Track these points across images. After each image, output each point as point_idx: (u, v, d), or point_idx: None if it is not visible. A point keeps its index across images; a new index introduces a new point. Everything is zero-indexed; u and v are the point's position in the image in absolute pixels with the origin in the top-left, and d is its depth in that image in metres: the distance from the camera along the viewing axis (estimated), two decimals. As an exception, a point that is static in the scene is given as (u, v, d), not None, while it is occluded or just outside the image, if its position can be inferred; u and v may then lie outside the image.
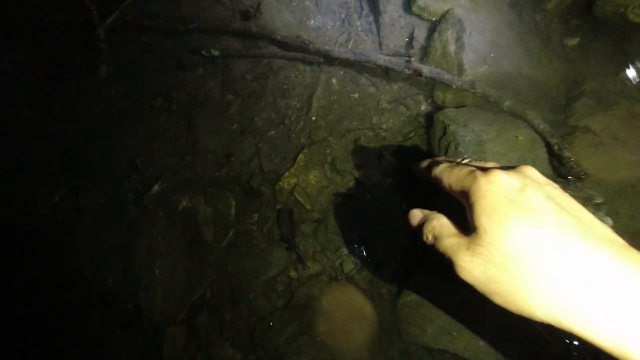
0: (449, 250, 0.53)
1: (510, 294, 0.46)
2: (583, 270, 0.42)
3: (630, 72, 1.96)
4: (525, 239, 0.45)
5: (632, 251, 0.43)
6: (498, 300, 0.49)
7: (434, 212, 0.60)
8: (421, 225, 0.59)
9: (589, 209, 0.55)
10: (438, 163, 0.62)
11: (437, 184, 0.59)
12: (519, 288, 0.45)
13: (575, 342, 1.35)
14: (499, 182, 0.49)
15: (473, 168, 0.54)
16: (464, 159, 0.63)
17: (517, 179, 0.50)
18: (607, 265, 0.41)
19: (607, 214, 1.65)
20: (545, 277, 0.43)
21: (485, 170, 0.53)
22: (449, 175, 0.56)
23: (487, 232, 0.48)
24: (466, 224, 0.53)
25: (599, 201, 1.55)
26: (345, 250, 1.85)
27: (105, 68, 1.73)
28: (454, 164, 0.60)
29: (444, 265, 0.56)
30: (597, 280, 0.41)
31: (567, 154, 1.76)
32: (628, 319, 0.39)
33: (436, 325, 1.68)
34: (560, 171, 1.78)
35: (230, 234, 1.93)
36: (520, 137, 1.93)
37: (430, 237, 0.57)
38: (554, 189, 0.51)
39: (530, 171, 0.53)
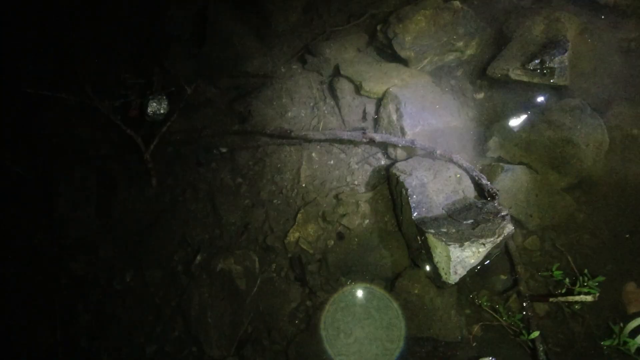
0: None
1: None
2: None
3: (522, 115, 2.74)
4: None
5: None
6: None
7: None
8: None
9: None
10: None
11: None
12: None
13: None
14: None
15: None
16: None
17: None
18: None
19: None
20: None
21: None
22: None
23: None
24: None
25: (504, 213, 2.24)
26: (342, 278, 2.53)
27: (155, 180, 2.46)
28: None
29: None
30: None
31: (483, 181, 2.47)
32: None
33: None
34: (482, 193, 2.50)
35: (258, 282, 2.62)
36: (457, 175, 2.63)
37: None
38: None
39: None
